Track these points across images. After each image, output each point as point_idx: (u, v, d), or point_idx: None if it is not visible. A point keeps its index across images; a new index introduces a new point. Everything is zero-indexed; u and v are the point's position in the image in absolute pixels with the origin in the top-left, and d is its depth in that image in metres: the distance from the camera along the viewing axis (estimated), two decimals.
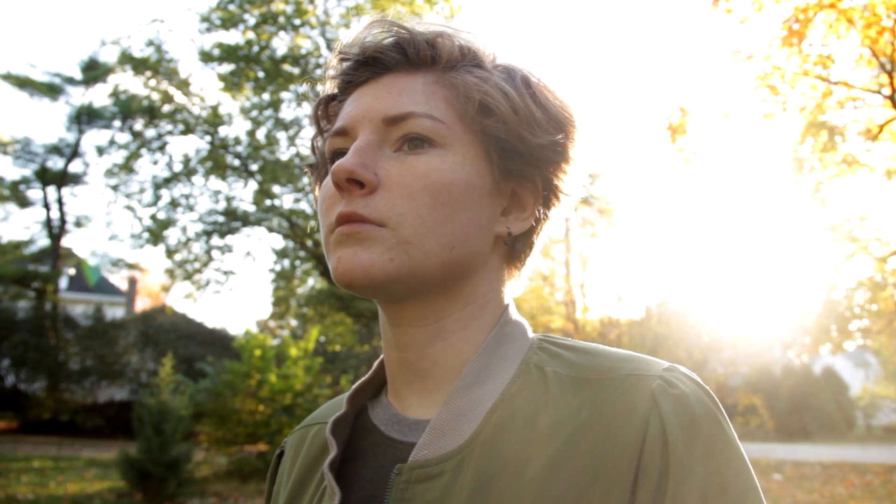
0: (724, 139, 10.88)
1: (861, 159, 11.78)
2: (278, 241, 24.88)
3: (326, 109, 0.85)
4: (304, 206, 22.56)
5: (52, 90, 23.27)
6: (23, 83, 22.87)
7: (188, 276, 22.23)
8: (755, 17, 8.98)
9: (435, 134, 0.74)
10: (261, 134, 22.52)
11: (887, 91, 9.52)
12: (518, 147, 0.77)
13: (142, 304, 36.82)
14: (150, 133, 21.86)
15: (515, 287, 0.85)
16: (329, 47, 21.53)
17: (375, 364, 0.88)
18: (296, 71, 21.34)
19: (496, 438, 0.71)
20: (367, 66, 0.79)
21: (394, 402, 0.82)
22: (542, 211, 0.82)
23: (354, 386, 0.87)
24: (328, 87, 0.85)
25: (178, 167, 22.33)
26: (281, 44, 21.72)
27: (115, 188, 21.92)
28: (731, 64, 9.65)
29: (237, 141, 22.41)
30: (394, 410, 0.81)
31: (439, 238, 0.73)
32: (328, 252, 0.75)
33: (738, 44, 9.57)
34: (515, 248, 0.82)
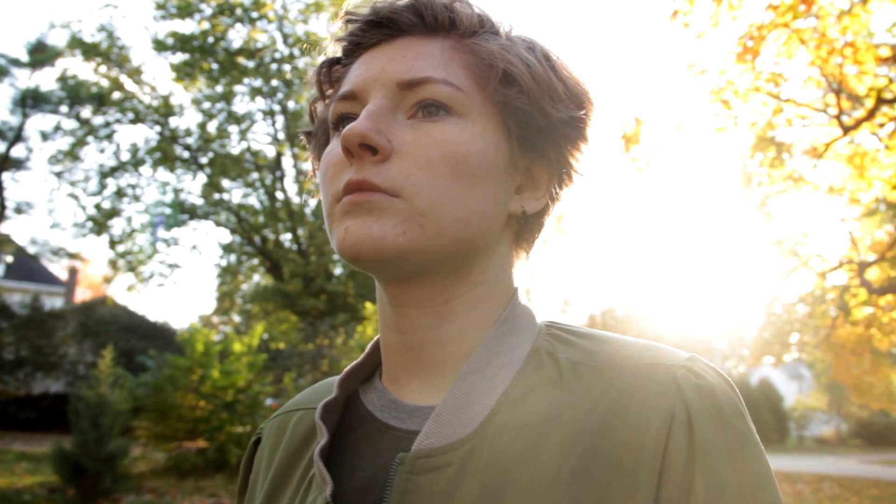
0: (676, 151, 11.05)
1: (806, 176, 12.08)
2: (225, 236, 24.52)
3: (329, 73, 0.79)
4: (252, 201, 22.32)
5: None
6: None
7: (132, 268, 21.81)
8: (711, 33, 9.11)
9: (453, 101, 0.70)
10: (212, 126, 22.25)
11: (834, 111, 9.77)
12: (539, 121, 0.73)
13: (82, 294, 35.95)
14: (98, 120, 21.41)
15: (523, 270, 0.80)
16: (286, 42, 21.36)
17: (369, 347, 0.83)
18: (251, 65, 21.10)
19: (508, 428, 0.66)
20: (380, 27, 0.74)
21: (390, 387, 0.77)
22: (555, 191, 0.78)
23: (346, 370, 0.81)
24: (332, 50, 0.79)
25: (125, 156, 21.93)
26: (237, 36, 21.49)
27: (59, 175, 21.44)
28: (686, 77, 9.81)
29: (188, 132, 22.08)
30: (391, 396, 0.76)
31: (455, 212, 0.68)
32: (332, 222, 0.70)
33: (694, 57, 9.75)
34: (526, 229, 0.78)
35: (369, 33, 0.74)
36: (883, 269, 14.14)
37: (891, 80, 9.44)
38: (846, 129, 9.49)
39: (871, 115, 9.36)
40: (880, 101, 9.27)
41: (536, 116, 0.72)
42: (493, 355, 0.71)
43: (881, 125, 9.71)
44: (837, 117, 9.64)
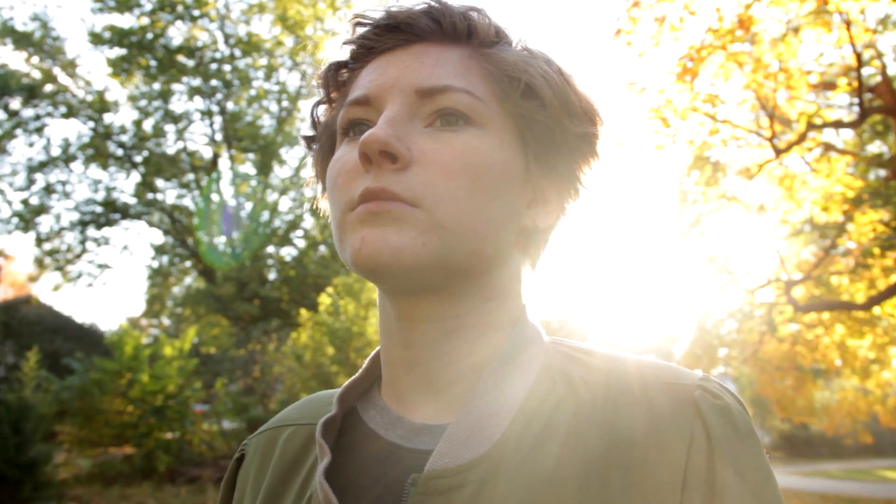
0: (616, 166, 11.24)
1: (739, 196, 12.42)
2: (158, 237, 23.97)
3: (336, 76, 0.77)
4: (187, 202, 21.89)
5: None
6: None
7: (59, 267, 21.16)
8: (652, 52, 9.31)
9: (472, 111, 0.68)
10: (148, 125, 21.76)
11: (767, 133, 10.06)
12: (556, 135, 0.72)
13: (4, 293, 34.67)
14: (28, 113, 20.75)
15: (530, 285, 0.79)
16: (227, 42, 21.04)
17: (367, 361, 0.81)
18: (190, 63, 20.72)
19: (525, 448, 0.65)
20: (396, 32, 0.72)
21: (392, 403, 0.75)
22: (564, 205, 0.77)
23: (345, 385, 0.78)
24: (338, 53, 0.76)
25: (56, 151, 21.25)
26: (177, 33, 21.07)
27: None
28: (626, 94, 9.97)
29: (122, 130, 21.56)
30: (395, 413, 0.73)
31: (474, 225, 0.66)
32: (344, 231, 0.67)
33: (635, 76, 9.90)
34: (534, 243, 0.77)
35: (384, 38, 0.72)
36: (808, 287, 14.62)
37: (820, 107, 9.80)
38: (778, 152, 9.79)
39: (801, 139, 9.68)
40: (810, 126, 9.61)
41: (555, 131, 0.72)
42: (505, 373, 0.69)
43: (810, 149, 10.08)
44: (770, 140, 9.92)
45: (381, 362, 0.78)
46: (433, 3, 0.72)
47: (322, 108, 0.80)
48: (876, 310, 13.47)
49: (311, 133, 0.81)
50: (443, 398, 0.71)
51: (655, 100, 9.69)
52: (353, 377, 0.79)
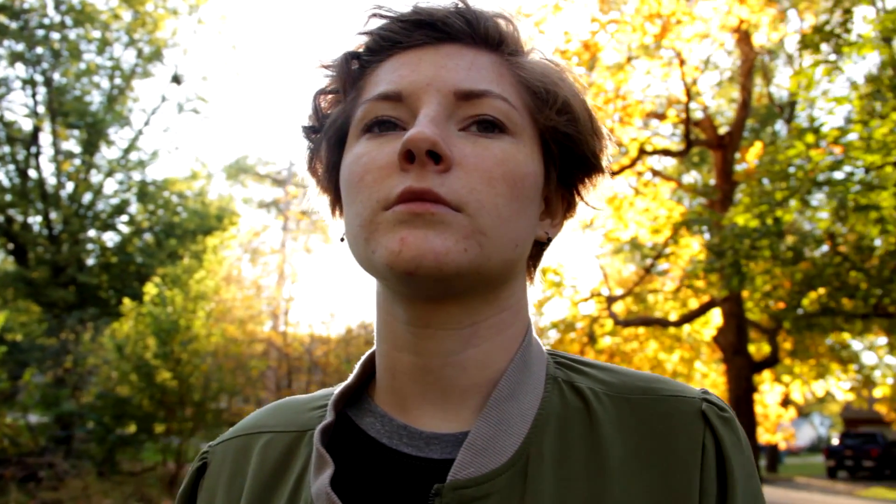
0: None
1: None
2: None
3: (349, 67, 0.73)
4: (1, 176, 20.19)
5: None
6: None
7: None
8: None
9: (508, 120, 0.68)
10: None
11: None
12: (580, 150, 0.73)
13: None
14: None
15: (531, 295, 0.80)
16: (58, 9, 19.63)
17: (358, 367, 0.78)
18: (13, 25, 19.13)
19: (545, 456, 0.65)
20: (426, 28, 0.70)
21: (394, 412, 0.72)
22: (565, 220, 0.79)
23: (338, 391, 0.75)
24: (351, 44, 0.74)
25: None
26: None
27: None
28: None
29: None
30: (398, 422, 0.71)
31: (509, 233, 0.66)
32: (374, 231, 0.65)
33: None
34: (538, 255, 0.78)
35: (413, 33, 0.70)
36: (627, 303, 15.56)
37: (650, 136, 10.47)
38: (612, 174, 10.37)
39: (633, 163, 10.31)
40: (642, 153, 10.26)
41: (582, 146, 0.73)
42: (518, 382, 0.70)
43: (641, 174, 10.75)
44: None
45: (378, 368, 0.75)
46: (464, 5, 0.72)
47: (329, 99, 0.76)
48: (686, 328, 14.56)
49: (313, 124, 0.77)
50: (453, 407, 0.70)
51: None
52: (346, 383, 0.77)
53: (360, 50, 0.74)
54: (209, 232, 18.66)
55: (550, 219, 0.77)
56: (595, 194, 0.78)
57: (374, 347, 0.77)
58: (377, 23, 0.72)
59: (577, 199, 0.78)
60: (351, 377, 0.77)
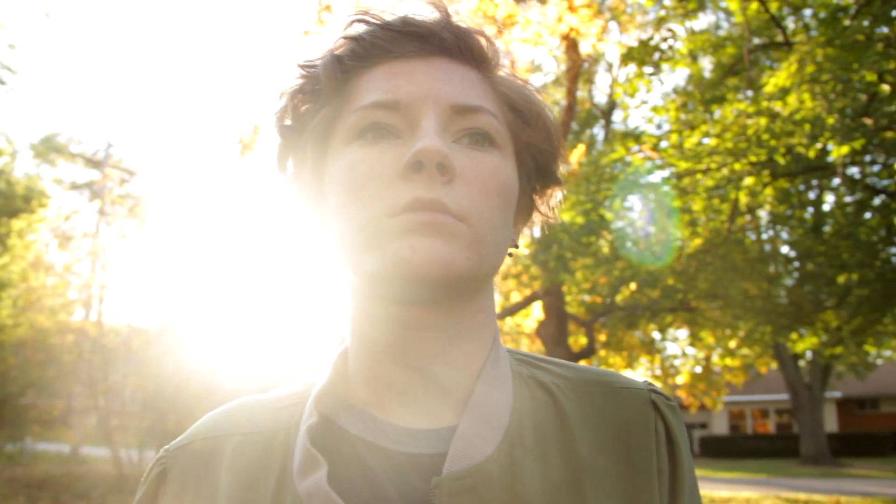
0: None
1: None
2: None
3: (334, 71, 0.73)
4: None
5: None
6: None
7: None
8: None
9: (497, 134, 0.72)
10: None
11: None
12: (550, 166, 0.79)
13: None
14: None
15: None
16: None
17: (331, 366, 0.77)
18: None
19: (525, 444, 0.70)
20: (415, 39, 0.72)
21: (375, 410, 0.73)
22: (522, 229, 0.84)
23: (319, 391, 0.75)
24: (333, 48, 0.74)
25: None
26: None
27: None
28: None
29: None
30: (381, 419, 0.73)
31: (499, 242, 0.71)
32: (379, 237, 0.67)
33: None
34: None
35: (404, 44, 0.72)
36: None
37: None
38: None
39: None
40: None
41: (550, 161, 0.79)
42: (494, 377, 0.74)
43: None
44: None
45: (353, 368, 0.76)
46: (450, 20, 0.74)
47: (305, 100, 0.76)
48: (507, 320, 15.10)
49: (289, 123, 0.77)
50: (434, 403, 0.73)
51: None
52: (324, 382, 0.76)
53: (344, 53, 0.74)
54: (15, 214, 17.19)
55: (517, 226, 0.82)
56: (549, 203, 0.84)
57: (344, 346, 0.78)
58: (362, 28, 0.74)
59: (535, 209, 0.83)
60: (326, 376, 0.77)
